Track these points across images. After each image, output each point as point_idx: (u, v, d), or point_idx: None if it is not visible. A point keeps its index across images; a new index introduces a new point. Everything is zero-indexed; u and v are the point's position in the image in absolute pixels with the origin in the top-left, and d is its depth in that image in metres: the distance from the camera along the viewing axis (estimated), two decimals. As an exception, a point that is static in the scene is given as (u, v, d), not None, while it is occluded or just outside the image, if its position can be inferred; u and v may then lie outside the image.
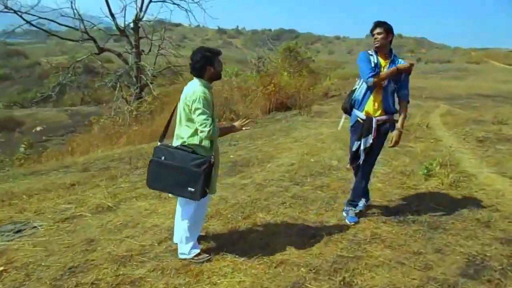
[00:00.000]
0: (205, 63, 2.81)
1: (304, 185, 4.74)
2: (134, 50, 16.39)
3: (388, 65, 3.38)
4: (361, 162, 3.50)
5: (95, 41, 16.15)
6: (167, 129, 3.02)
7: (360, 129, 3.46)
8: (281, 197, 4.29)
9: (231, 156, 6.52)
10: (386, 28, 3.33)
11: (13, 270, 2.83)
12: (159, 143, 2.90)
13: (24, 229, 3.56)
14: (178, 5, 17.01)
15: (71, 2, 15.31)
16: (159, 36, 17.12)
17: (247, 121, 3.04)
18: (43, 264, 2.90)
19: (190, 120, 2.76)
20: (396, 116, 3.55)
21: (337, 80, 23.24)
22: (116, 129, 11.50)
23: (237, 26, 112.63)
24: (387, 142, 3.55)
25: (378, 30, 3.32)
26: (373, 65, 3.35)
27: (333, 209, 3.93)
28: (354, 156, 3.54)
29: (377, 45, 3.34)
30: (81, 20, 15.63)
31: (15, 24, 14.90)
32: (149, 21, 17.52)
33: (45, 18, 15.43)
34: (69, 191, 4.86)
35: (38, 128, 16.24)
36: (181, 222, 2.93)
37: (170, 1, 16.92)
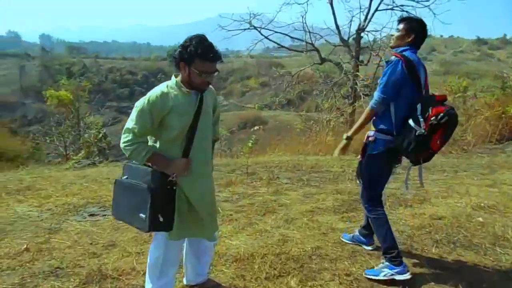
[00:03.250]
0: (180, 60, 2.06)
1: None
2: (353, 60, 15.99)
3: None
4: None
5: (318, 52, 16.82)
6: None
7: None
8: (355, 264, 2.84)
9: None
10: None
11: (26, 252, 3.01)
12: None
13: (97, 215, 3.88)
14: (406, 11, 15.15)
15: (302, 17, 16.53)
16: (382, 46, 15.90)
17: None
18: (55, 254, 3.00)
19: None
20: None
21: None
22: (307, 137, 11.45)
23: (504, 34, 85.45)
24: None
25: None
26: None
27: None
28: None
29: None
30: (310, 33, 16.60)
31: (257, 40, 17.51)
32: (376, 31, 16.53)
33: (279, 32, 17.30)
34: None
35: (256, 127, 18.50)
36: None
37: (398, 9, 15.29)
